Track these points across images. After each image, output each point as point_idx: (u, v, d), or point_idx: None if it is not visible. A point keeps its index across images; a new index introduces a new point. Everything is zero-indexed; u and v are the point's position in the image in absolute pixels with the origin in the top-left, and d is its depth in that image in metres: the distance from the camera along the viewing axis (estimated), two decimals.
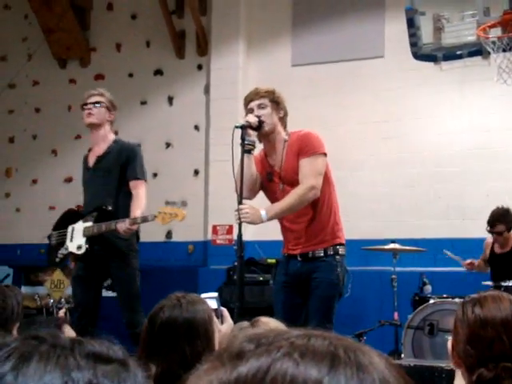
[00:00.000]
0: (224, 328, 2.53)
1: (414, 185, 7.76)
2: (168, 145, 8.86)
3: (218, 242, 8.00)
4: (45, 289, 8.94)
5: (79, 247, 5.03)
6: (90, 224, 5.01)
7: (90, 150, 5.33)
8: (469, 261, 6.56)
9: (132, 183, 5.00)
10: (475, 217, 6.65)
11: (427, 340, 5.89)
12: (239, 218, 4.02)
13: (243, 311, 3.81)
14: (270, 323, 2.23)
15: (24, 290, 8.60)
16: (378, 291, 7.26)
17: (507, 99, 7.40)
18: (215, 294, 2.72)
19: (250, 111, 4.32)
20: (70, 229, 5.16)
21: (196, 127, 8.74)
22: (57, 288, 8.97)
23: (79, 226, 5.10)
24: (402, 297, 6.32)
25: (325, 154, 4.26)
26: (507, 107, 7.55)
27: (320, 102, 8.16)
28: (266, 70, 8.16)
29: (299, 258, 4.28)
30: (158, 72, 9.06)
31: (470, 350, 1.98)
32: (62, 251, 5.17)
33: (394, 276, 6.40)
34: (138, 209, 4.86)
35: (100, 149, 5.17)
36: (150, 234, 8.58)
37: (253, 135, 4.26)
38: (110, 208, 5.00)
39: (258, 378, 0.64)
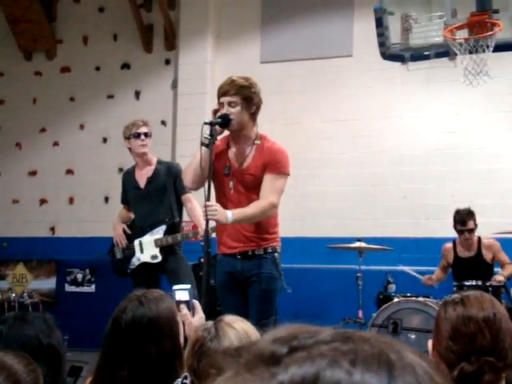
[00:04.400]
0: (195, 320, 2.52)
1: (379, 184, 7.81)
2: None
3: None
4: (6, 283, 8.82)
5: (154, 257, 5.69)
6: (160, 236, 5.65)
7: (134, 170, 5.95)
8: (427, 276, 6.62)
9: (184, 197, 5.67)
10: (440, 216, 6.72)
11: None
12: (206, 215, 4.02)
13: (209, 308, 3.80)
14: (234, 323, 2.21)
15: None
16: (342, 289, 7.29)
17: (473, 101, 7.48)
18: (188, 286, 2.71)
19: (221, 104, 4.30)
20: (136, 242, 5.80)
21: (163, 122, 8.68)
22: (19, 282, 8.86)
23: (147, 239, 5.72)
24: (366, 295, 6.36)
25: (288, 175, 4.41)
26: (472, 109, 7.63)
27: (288, 100, 8.16)
28: (234, 66, 8.13)
29: (238, 257, 4.34)
30: (125, 66, 8.98)
31: (453, 345, 2.00)
32: (134, 262, 5.79)
33: (359, 274, 6.44)
34: (201, 217, 5.32)
35: (148, 170, 5.84)
36: None
37: (220, 132, 4.27)
38: (177, 219, 5.71)
39: None
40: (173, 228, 5.69)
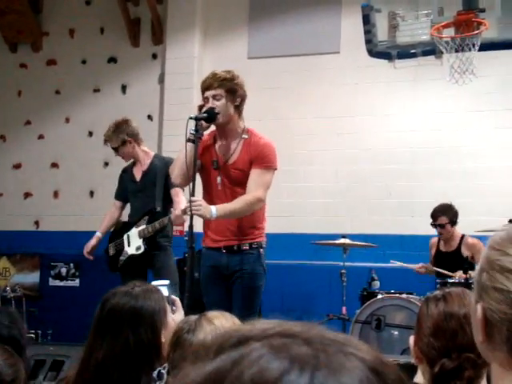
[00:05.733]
0: (177, 317, 2.52)
1: (365, 181, 7.82)
2: None
3: None
4: None
5: (138, 248, 5.68)
6: (143, 227, 5.65)
7: (134, 165, 5.96)
8: (421, 264, 6.63)
9: (174, 190, 5.62)
10: (424, 214, 6.73)
11: (374, 334, 5.96)
12: (190, 210, 4.01)
13: (193, 303, 3.79)
14: (217, 318, 2.21)
15: None
16: (327, 285, 7.31)
17: (459, 99, 7.51)
18: (166, 282, 2.71)
19: (205, 99, 4.29)
20: (125, 236, 5.82)
21: (149, 117, 8.65)
22: (2, 276, 8.81)
23: (133, 231, 5.75)
24: (350, 291, 6.37)
25: (275, 169, 4.38)
26: (458, 107, 7.67)
27: (275, 95, 8.16)
28: (221, 61, 8.10)
29: (223, 251, 4.32)
30: (112, 59, 8.93)
31: (434, 342, 2.01)
32: (122, 257, 5.80)
33: (343, 271, 6.44)
34: (181, 206, 5.41)
35: (144, 164, 5.88)
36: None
37: (205, 127, 4.26)
38: (158, 209, 5.66)
39: (219, 376, 0.59)
40: (154, 217, 5.68)
